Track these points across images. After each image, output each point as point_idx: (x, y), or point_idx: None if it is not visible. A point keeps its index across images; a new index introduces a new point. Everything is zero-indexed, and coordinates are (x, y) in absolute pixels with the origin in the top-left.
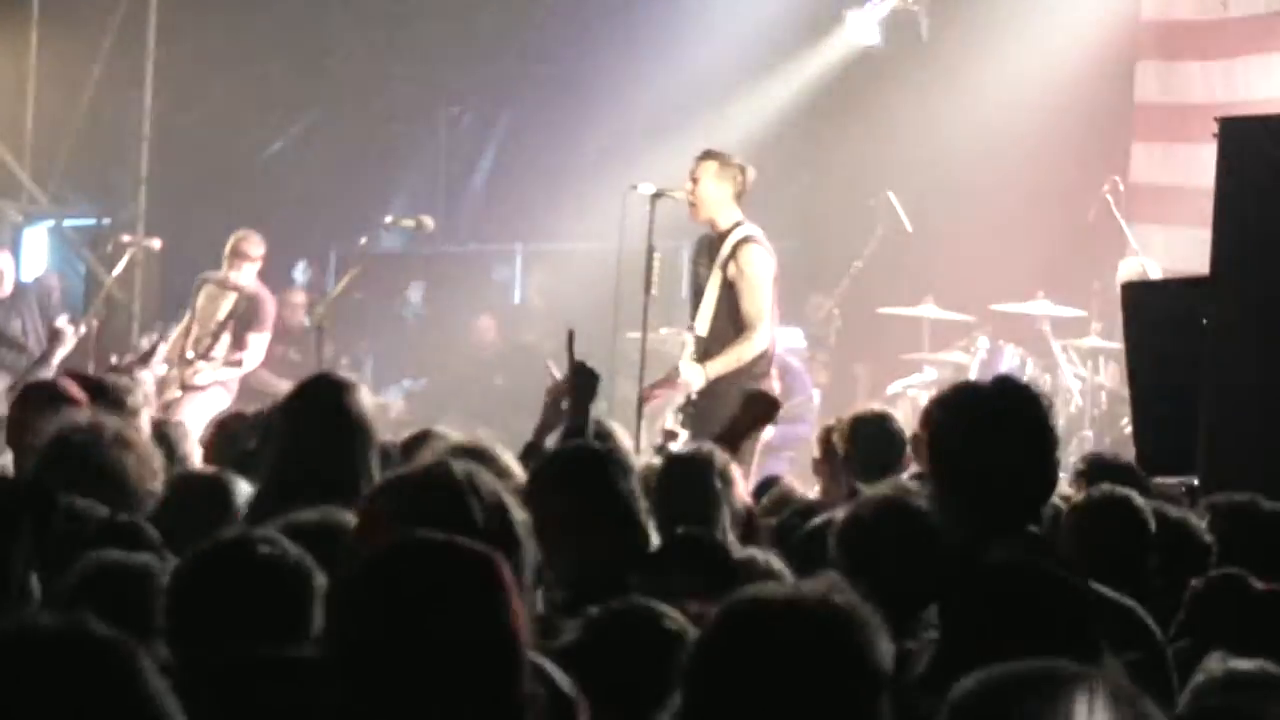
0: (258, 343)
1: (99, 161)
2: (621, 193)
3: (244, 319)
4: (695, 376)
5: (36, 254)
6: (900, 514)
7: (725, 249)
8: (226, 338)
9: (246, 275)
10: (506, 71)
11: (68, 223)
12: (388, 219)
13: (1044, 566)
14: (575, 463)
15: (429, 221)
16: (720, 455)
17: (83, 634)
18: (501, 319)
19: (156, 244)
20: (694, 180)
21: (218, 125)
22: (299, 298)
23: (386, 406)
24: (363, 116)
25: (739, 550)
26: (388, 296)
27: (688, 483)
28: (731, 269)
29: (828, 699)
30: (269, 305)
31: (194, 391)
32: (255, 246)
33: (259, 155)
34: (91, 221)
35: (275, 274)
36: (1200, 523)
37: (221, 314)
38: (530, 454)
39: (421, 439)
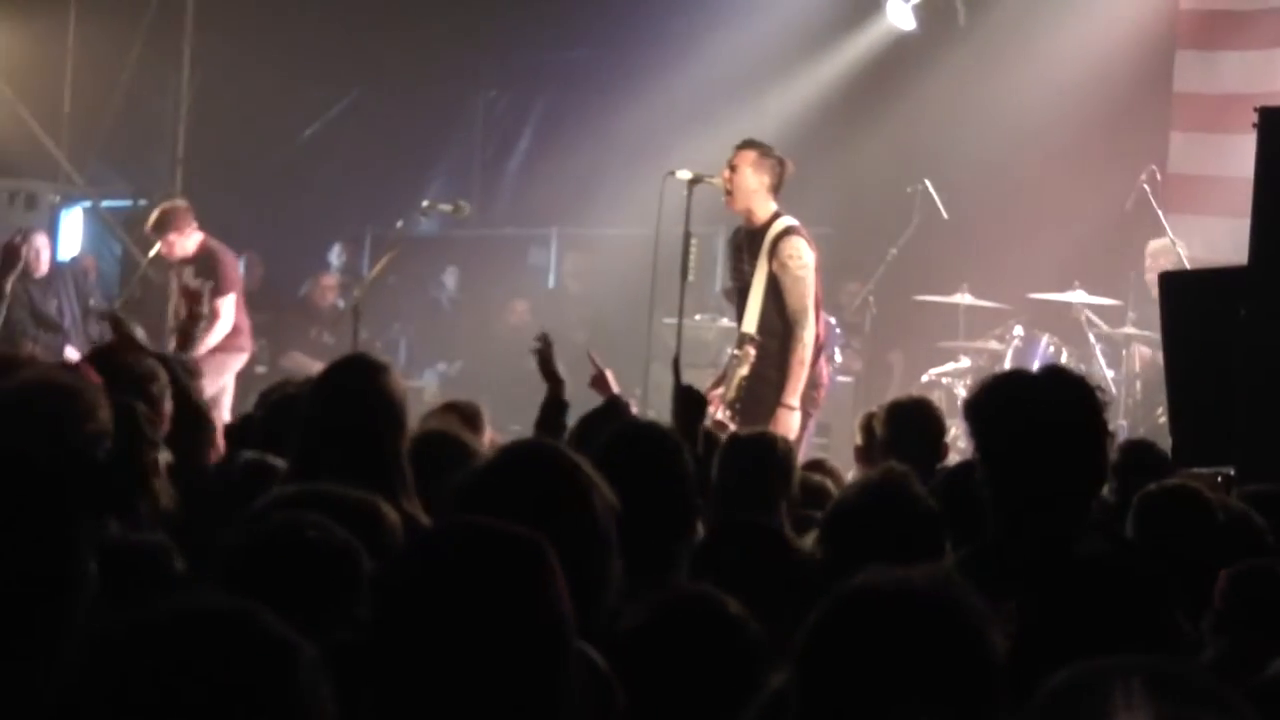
0: (226, 306)
1: (135, 143)
2: (658, 178)
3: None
4: (791, 423)
5: (73, 235)
6: (889, 498)
7: (767, 242)
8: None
9: (189, 245)
10: (543, 56)
11: (104, 204)
12: (424, 203)
13: (1134, 562)
14: (651, 441)
15: (466, 206)
16: (783, 440)
17: (254, 625)
18: (536, 303)
19: None
20: (732, 168)
21: (254, 108)
22: (330, 280)
23: (420, 390)
24: (399, 100)
25: (797, 541)
26: (422, 280)
27: (750, 466)
28: (775, 263)
29: (943, 690)
30: (228, 268)
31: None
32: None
33: (295, 138)
34: (128, 203)
35: (310, 257)
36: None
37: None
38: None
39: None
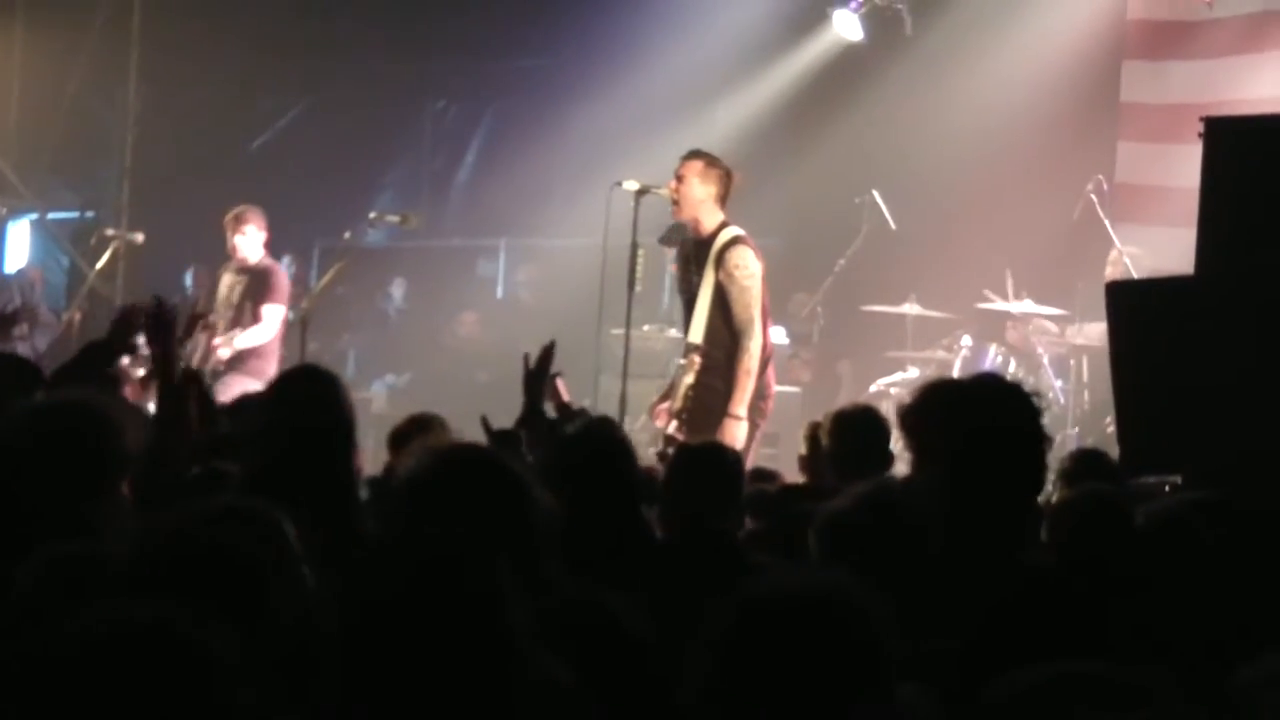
0: (272, 314)
1: (82, 155)
2: (606, 188)
3: (255, 293)
4: (738, 433)
5: (19, 247)
6: (881, 510)
7: (714, 252)
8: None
9: (251, 249)
10: (492, 66)
11: (51, 216)
12: (372, 215)
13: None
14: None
15: (414, 217)
16: (731, 450)
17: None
18: (485, 314)
19: (139, 238)
20: (679, 178)
21: (201, 119)
22: None
23: (368, 401)
24: (347, 111)
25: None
26: (371, 291)
27: (705, 476)
28: (721, 272)
29: (840, 688)
30: (280, 280)
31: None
32: (255, 218)
33: (243, 149)
34: (75, 215)
35: None
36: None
37: (235, 294)
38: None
39: (421, 424)
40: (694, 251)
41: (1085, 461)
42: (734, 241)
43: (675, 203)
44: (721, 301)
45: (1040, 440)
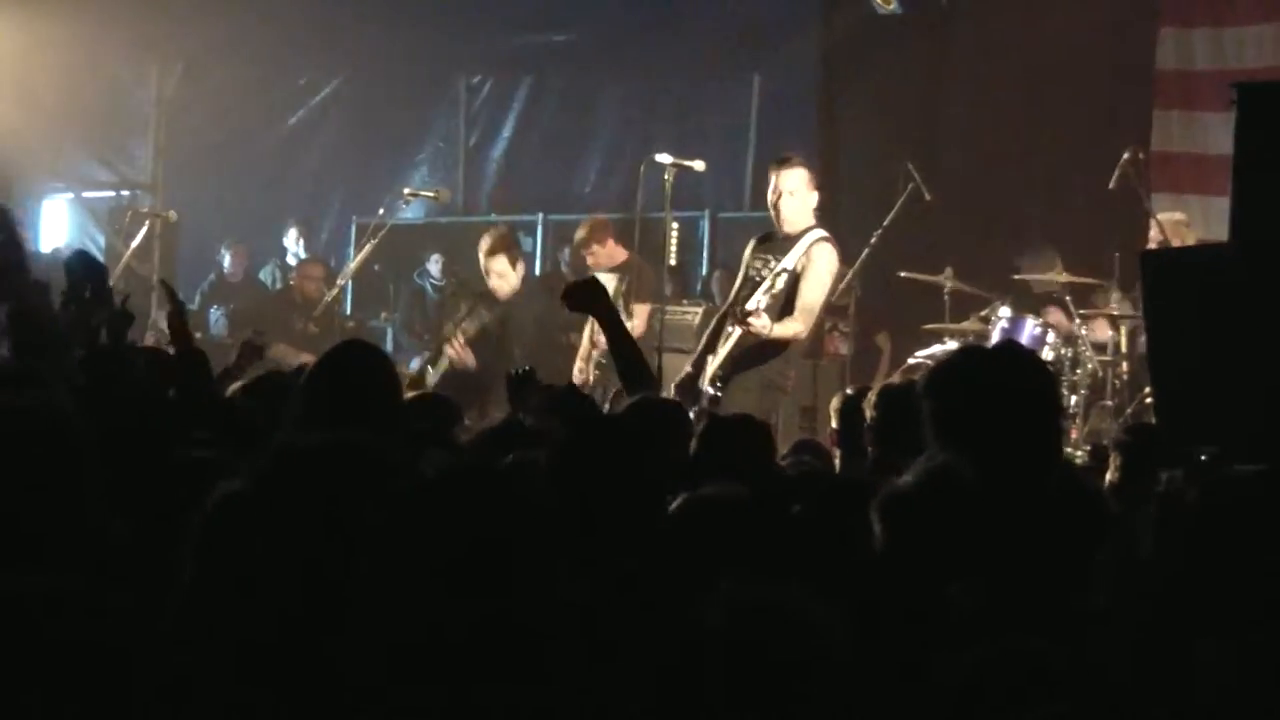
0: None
1: (117, 134)
2: (641, 163)
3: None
4: (764, 324)
5: (56, 226)
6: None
7: (800, 247)
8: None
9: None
10: (526, 41)
11: (86, 195)
12: (406, 190)
13: None
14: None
15: (447, 192)
16: (763, 423)
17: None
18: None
19: (174, 215)
20: (789, 193)
21: (235, 97)
22: (316, 270)
23: (404, 376)
24: (382, 87)
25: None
26: (407, 267)
27: (739, 447)
28: (802, 261)
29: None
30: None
31: None
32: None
33: (278, 126)
34: (110, 194)
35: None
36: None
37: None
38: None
39: None
40: (778, 246)
41: (1137, 434)
42: (822, 239)
43: (779, 215)
44: (792, 286)
45: (1057, 407)
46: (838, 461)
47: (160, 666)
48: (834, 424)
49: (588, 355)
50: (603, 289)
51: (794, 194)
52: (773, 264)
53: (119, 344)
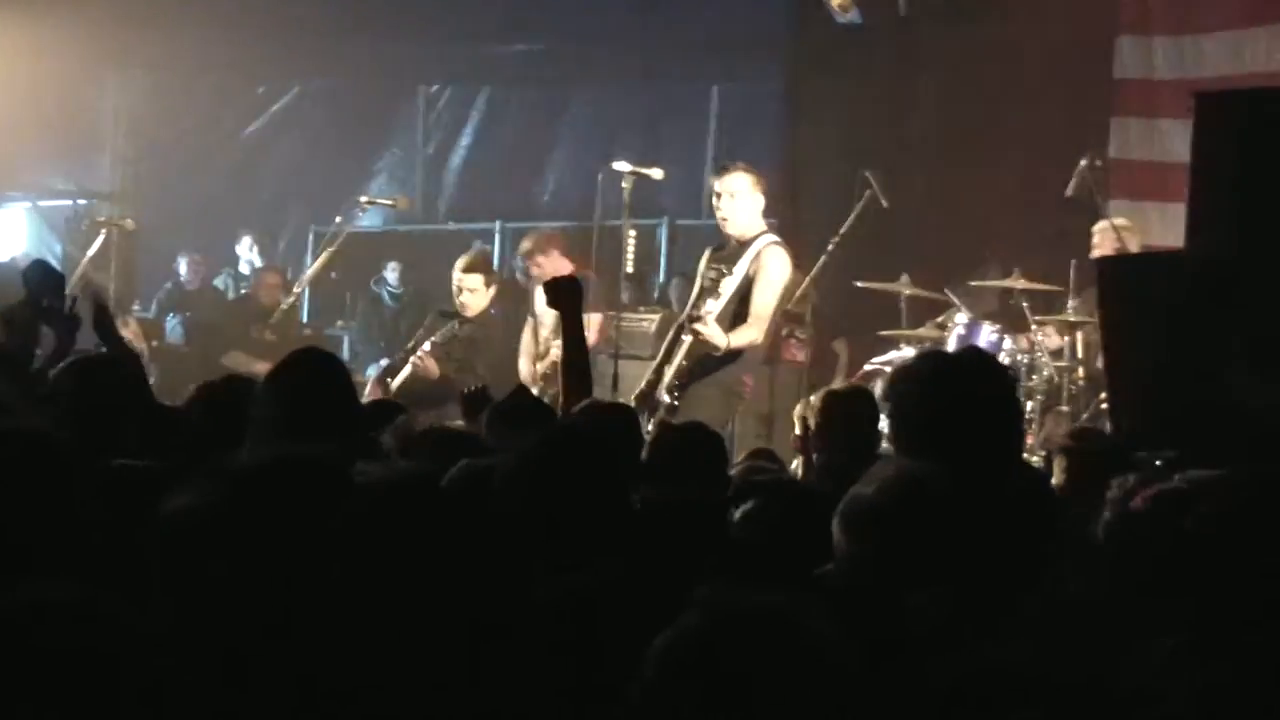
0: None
1: (76, 142)
2: (599, 171)
3: None
4: (718, 336)
5: (13, 235)
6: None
7: (750, 253)
8: None
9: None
10: (486, 50)
11: (43, 203)
12: (363, 198)
13: None
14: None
15: (405, 199)
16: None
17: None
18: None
19: (131, 224)
20: (730, 195)
21: (194, 105)
22: (274, 278)
23: (363, 386)
24: (341, 95)
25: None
26: (365, 275)
27: (689, 455)
28: (753, 267)
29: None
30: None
31: None
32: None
33: (237, 135)
34: (68, 202)
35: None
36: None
37: None
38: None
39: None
40: (730, 254)
41: (1083, 438)
42: (772, 244)
43: (724, 219)
44: (745, 293)
45: (1019, 412)
46: (797, 468)
47: (147, 671)
48: (798, 430)
49: (533, 355)
50: (580, 292)
51: (734, 195)
52: (725, 272)
53: (63, 346)
